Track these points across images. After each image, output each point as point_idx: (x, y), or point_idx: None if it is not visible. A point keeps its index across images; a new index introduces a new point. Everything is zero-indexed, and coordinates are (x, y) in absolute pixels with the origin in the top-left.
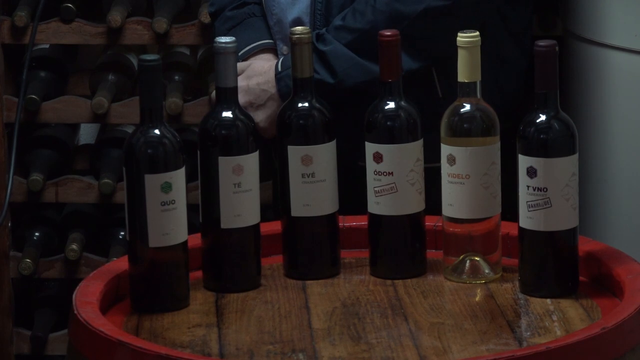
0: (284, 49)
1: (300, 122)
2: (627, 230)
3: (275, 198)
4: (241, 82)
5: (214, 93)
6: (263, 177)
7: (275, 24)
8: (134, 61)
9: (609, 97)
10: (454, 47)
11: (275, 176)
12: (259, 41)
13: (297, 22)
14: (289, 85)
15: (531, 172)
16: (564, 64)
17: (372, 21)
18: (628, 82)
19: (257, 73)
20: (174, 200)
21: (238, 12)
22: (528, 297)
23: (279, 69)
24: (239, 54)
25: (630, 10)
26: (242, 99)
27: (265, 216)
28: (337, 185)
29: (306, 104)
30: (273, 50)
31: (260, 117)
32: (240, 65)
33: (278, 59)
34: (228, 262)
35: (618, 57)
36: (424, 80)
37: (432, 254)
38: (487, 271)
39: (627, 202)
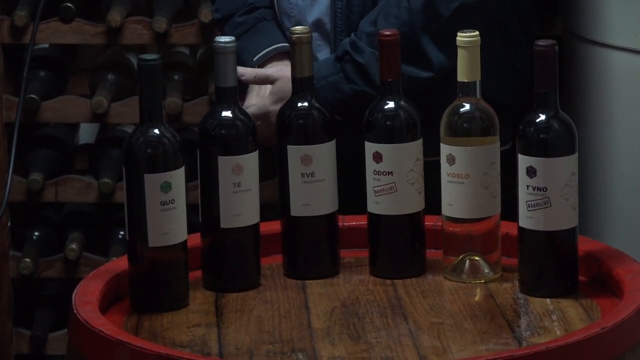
0: None
1: (300, 121)
2: (626, 230)
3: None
4: (276, 106)
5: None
6: (263, 177)
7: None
8: (134, 61)
9: (609, 96)
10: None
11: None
12: (272, 45)
13: (318, 23)
14: (327, 98)
15: (531, 172)
16: (563, 64)
17: (408, 23)
18: (628, 81)
19: (287, 96)
20: (174, 200)
21: (248, 17)
22: (528, 297)
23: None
24: (254, 59)
25: (629, 9)
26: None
27: (266, 215)
28: (337, 185)
29: (306, 104)
30: (288, 54)
31: None
32: (263, 72)
33: None
34: (228, 261)
35: (617, 57)
36: (449, 75)
37: (431, 254)
38: (486, 271)
39: (627, 202)
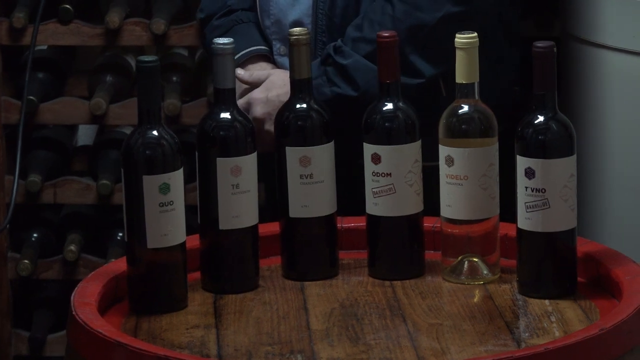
0: (281, 49)
1: (299, 123)
2: (625, 231)
3: (268, 200)
4: (260, 94)
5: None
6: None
7: (274, 24)
8: (132, 62)
9: (607, 98)
10: None
11: (266, 179)
12: (248, 48)
13: (298, 23)
14: None
15: (529, 173)
16: (562, 65)
17: (391, 30)
18: (626, 82)
19: (277, 85)
20: (172, 202)
21: (225, 20)
22: (526, 298)
23: None
24: None
25: (627, 11)
26: (260, 110)
27: (261, 217)
28: (336, 186)
29: (304, 105)
30: (266, 57)
31: None
32: (258, 74)
33: (275, 63)
34: (226, 263)
35: (616, 58)
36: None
37: (430, 255)
38: (485, 272)
39: (626, 203)
